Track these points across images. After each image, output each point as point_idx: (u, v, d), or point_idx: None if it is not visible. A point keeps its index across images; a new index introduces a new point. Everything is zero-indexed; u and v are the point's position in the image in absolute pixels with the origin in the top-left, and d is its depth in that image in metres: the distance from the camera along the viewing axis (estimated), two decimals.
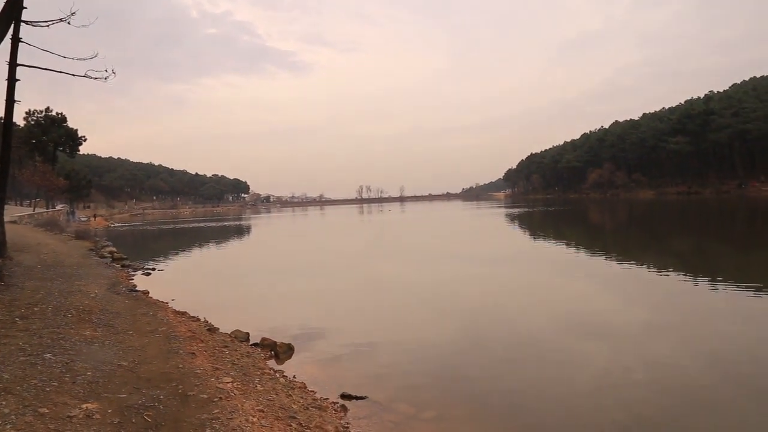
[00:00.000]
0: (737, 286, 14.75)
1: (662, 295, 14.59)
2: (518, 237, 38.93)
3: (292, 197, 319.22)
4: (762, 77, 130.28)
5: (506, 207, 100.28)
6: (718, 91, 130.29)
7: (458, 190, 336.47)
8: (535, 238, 37.49)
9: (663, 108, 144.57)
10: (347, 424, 6.39)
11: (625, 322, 11.78)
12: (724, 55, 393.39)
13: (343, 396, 7.42)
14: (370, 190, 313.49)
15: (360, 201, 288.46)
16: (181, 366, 7.29)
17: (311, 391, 7.57)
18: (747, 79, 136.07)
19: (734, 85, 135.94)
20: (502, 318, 12.61)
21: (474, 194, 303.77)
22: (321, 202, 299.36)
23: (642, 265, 19.97)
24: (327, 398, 7.28)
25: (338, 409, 6.84)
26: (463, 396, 7.65)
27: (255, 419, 5.63)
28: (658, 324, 11.50)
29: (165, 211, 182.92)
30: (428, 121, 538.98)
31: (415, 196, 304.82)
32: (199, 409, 5.69)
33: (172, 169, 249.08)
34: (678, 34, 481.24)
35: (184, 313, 12.70)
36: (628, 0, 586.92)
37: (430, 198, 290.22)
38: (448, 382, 8.27)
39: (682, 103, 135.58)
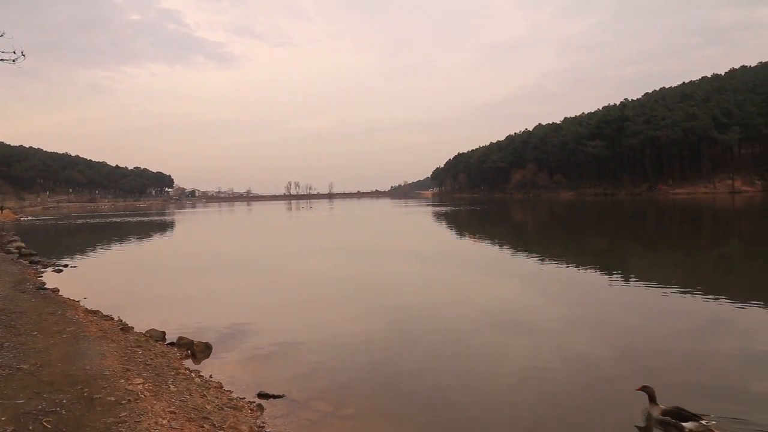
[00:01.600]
0: (647, 283, 15.72)
1: (580, 292, 15.38)
2: (445, 235, 39.74)
3: (219, 192, 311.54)
4: (670, 88, 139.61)
5: (434, 205, 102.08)
6: (632, 99, 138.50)
7: (387, 188, 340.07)
8: (461, 236, 38.39)
9: (583, 113, 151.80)
10: (263, 423, 6.31)
11: (546, 317, 12.28)
12: (639, 65, 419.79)
13: (260, 395, 7.31)
14: (299, 187, 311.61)
15: (288, 197, 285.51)
16: (88, 368, 6.97)
17: (227, 390, 7.42)
18: (658, 89, 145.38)
19: (646, 94, 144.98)
20: (429, 315, 12.81)
21: (402, 192, 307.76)
22: (248, 197, 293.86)
23: (561, 262, 20.90)
24: (243, 398, 7.15)
25: (254, 409, 6.73)
26: (385, 392, 7.73)
27: (165, 421, 5.46)
28: (576, 319, 12.09)
29: (82, 205, 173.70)
30: (359, 118, 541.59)
31: (344, 193, 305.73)
32: (105, 412, 5.46)
33: (90, 160, 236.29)
34: (597, 44, 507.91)
35: (96, 312, 12.14)
36: (551, 9, 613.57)
37: (359, 195, 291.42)
38: (371, 379, 8.33)
39: (600, 109, 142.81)
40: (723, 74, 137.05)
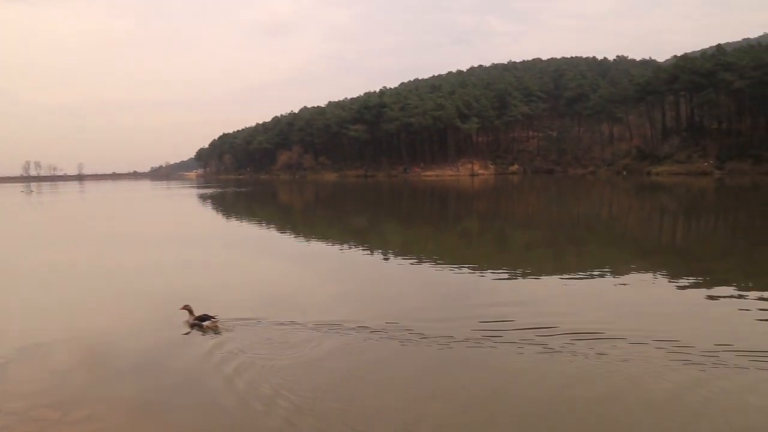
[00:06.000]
0: (403, 256, 17.28)
1: (347, 268, 16.11)
2: (209, 218, 38.17)
3: None
4: (422, 80, 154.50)
5: (198, 187, 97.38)
6: (390, 88, 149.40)
7: (147, 169, 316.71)
8: (227, 218, 37.25)
9: (346, 98, 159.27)
10: None
11: (318, 292, 12.62)
12: (396, 56, 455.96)
13: None
14: (40, 167, 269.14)
15: (27, 179, 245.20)
16: None
17: None
18: (412, 79, 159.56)
19: (402, 83, 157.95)
20: (192, 300, 11.94)
21: (164, 173, 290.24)
22: None
23: (328, 241, 21.67)
24: None
25: None
26: (131, 389, 6.96)
27: None
28: (345, 293, 12.59)
29: None
30: (113, 93, 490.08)
31: (97, 175, 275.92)
32: None
33: None
34: (360, 33, 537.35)
35: None
36: None
37: (115, 177, 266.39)
38: (113, 377, 7.44)
39: (362, 95, 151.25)
40: (465, 71, 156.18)
